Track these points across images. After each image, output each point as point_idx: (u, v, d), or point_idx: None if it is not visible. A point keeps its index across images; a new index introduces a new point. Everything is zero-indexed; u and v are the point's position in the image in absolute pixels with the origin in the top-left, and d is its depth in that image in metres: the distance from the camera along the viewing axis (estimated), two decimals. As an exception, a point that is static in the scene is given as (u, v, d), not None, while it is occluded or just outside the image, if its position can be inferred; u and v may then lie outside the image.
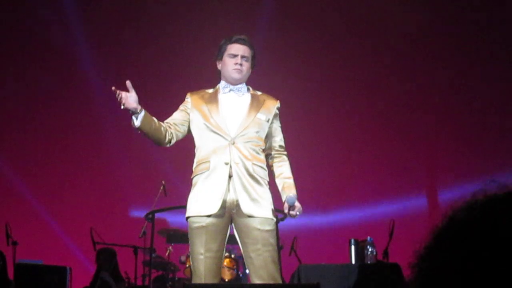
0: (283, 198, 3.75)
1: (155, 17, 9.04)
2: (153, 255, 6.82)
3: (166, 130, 3.77)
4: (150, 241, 6.59)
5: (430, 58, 8.96)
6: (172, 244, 7.40)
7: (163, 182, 6.96)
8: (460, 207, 1.02)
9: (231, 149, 3.68)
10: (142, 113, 3.63)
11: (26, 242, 7.52)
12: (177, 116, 3.88)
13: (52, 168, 8.89)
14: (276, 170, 3.85)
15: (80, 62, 8.99)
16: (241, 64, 3.83)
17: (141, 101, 3.66)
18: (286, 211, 3.66)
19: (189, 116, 3.85)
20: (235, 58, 3.84)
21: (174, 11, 9.06)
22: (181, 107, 3.92)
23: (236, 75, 3.84)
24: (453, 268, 0.95)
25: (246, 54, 3.86)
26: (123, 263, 7.22)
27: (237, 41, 3.87)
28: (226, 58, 3.87)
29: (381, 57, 8.96)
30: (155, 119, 3.73)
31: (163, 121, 3.82)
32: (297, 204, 3.66)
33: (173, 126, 3.83)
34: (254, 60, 3.92)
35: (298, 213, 3.67)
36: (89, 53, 8.98)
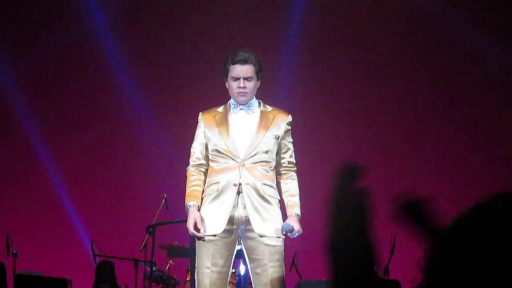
0: (288, 215, 3.78)
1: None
2: (154, 268, 6.82)
3: (203, 177, 3.87)
4: (150, 254, 6.59)
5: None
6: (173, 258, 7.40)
7: (164, 195, 6.99)
8: (485, 197, 1.09)
9: (241, 171, 3.70)
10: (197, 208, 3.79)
11: (26, 253, 7.52)
12: (198, 154, 3.87)
13: (53, 180, 8.88)
14: (283, 187, 3.87)
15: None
16: (244, 87, 3.76)
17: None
18: (283, 234, 3.69)
19: (205, 140, 3.85)
20: (238, 81, 3.76)
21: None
22: (197, 135, 3.90)
23: (241, 99, 3.80)
24: (478, 242, 1.01)
25: (248, 74, 3.76)
26: (124, 276, 7.21)
27: (238, 62, 3.75)
28: (229, 81, 3.81)
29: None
30: (198, 189, 3.83)
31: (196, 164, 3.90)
32: (295, 227, 3.69)
33: (203, 166, 3.87)
34: (261, 73, 3.83)
35: (296, 234, 3.72)
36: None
